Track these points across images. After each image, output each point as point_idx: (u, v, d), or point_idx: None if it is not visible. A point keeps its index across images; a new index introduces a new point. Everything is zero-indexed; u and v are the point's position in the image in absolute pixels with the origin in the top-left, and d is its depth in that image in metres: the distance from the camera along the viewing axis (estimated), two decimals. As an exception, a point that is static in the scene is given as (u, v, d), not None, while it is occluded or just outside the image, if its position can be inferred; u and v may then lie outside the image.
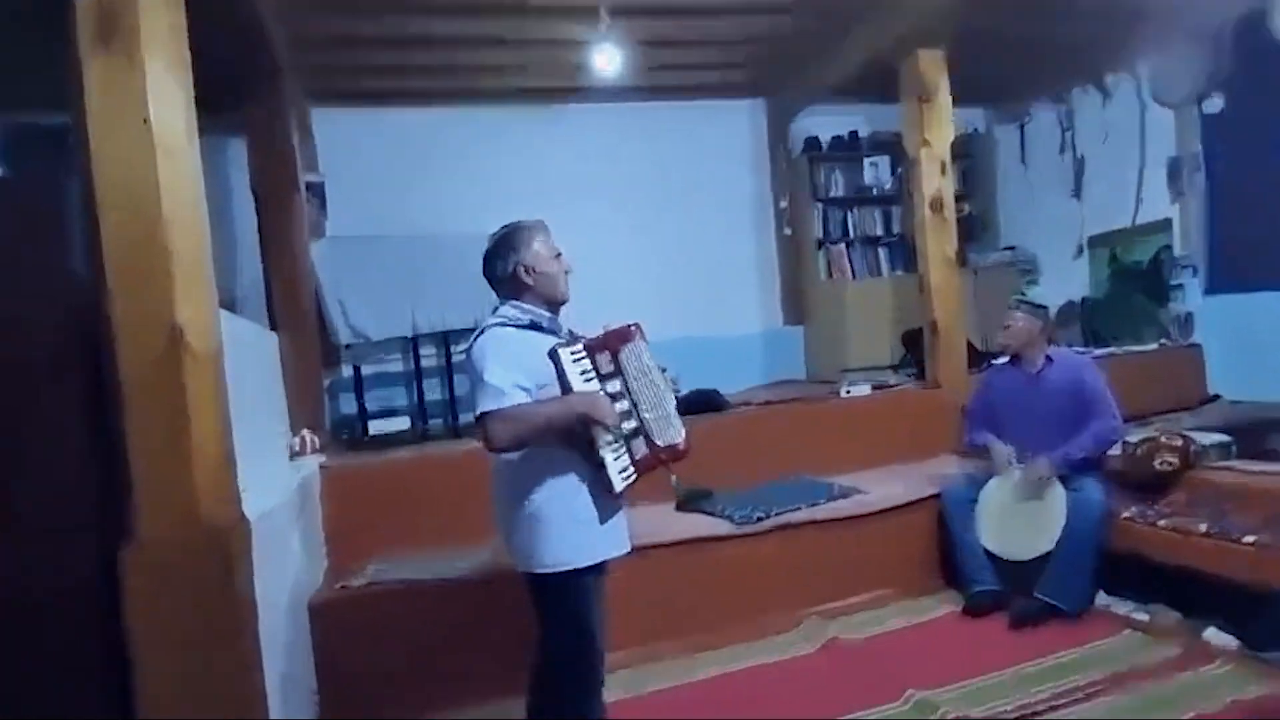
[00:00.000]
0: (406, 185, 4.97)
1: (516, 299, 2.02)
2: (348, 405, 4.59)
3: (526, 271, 2.00)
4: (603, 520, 2.00)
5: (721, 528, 3.15)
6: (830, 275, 5.69)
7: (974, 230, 6.03)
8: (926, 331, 4.28)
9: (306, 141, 4.60)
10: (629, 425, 1.96)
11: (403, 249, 4.33)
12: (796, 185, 5.77)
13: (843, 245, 5.73)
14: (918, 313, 4.42)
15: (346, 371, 4.58)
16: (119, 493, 1.68)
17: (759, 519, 3.16)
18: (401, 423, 4.21)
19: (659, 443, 1.97)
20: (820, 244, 5.70)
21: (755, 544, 3.14)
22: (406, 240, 4.37)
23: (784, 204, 5.81)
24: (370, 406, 4.36)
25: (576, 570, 1.96)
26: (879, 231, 5.82)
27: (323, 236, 4.50)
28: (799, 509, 3.27)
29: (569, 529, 1.95)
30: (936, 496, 3.31)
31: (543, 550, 1.95)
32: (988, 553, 3.07)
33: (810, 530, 3.22)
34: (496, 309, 2.03)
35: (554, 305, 2.05)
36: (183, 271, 1.69)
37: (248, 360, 2.76)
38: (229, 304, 3.77)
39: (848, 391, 4.23)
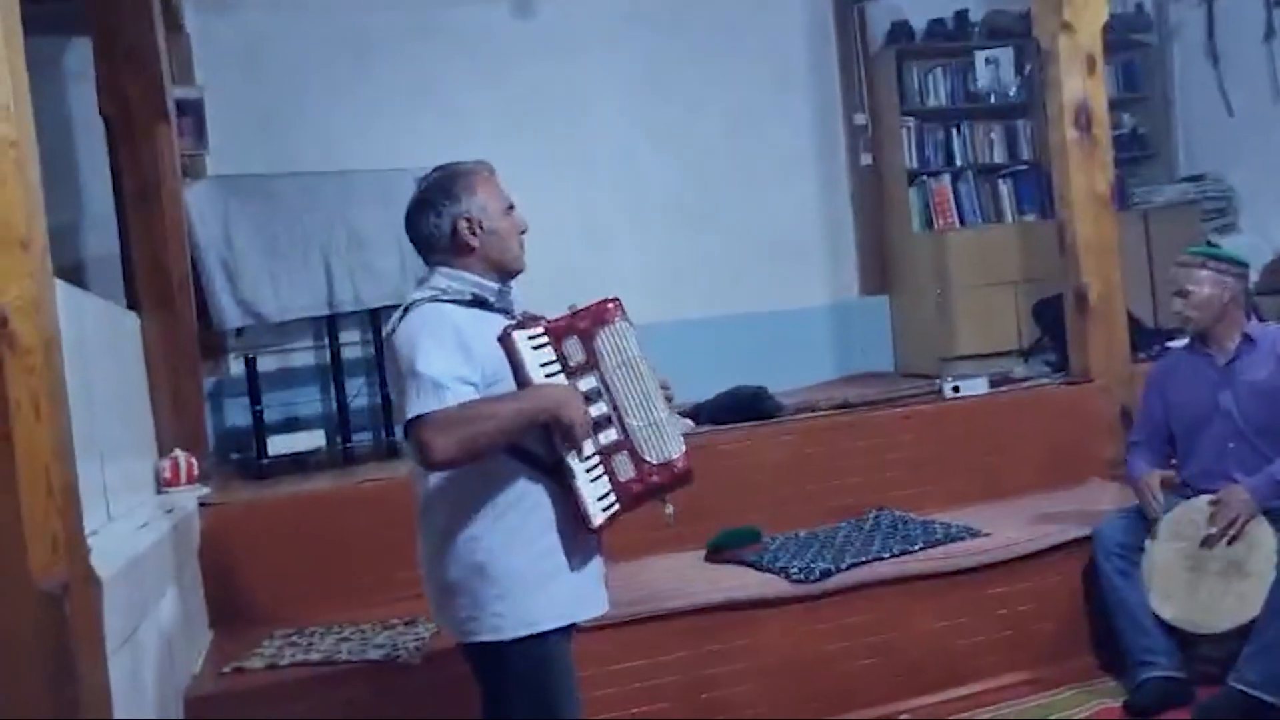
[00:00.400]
0: (321, 102, 5.02)
1: (452, 266, 2.06)
2: (238, 414, 4.65)
3: (470, 229, 2.04)
4: (574, 566, 2.04)
5: (772, 587, 3.16)
6: (929, 222, 5.69)
7: (1140, 155, 5.99)
8: (1069, 302, 4.26)
9: (177, 42, 4.64)
10: (609, 437, 2.00)
11: (316, 193, 4.37)
12: (878, 93, 5.77)
13: (946, 178, 5.73)
14: (1056, 275, 4.40)
15: (236, 367, 4.63)
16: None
17: (826, 574, 3.17)
18: (314, 438, 4.25)
19: (650, 459, 2.01)
20: (914, 177, 5.70)
21: (821, 610, 3.15)
22: (321, 180, 4.41)
23: (860, 120, 5.80)
24: (270, 416, 4.42)
25: (538, 636, 1.99)
26: (999, 158, 5.82)
27: (202, 176, 4.54)
28: (885, 559, 3.28)
29: (528, 580, 1.99)
30: (1086, 540, 3.31)
31: (490, 610, 1.98)
32: (1161, 622, 3.07)
33: (902, 591, 3.23)
34: (424, 280, 2.08)
35: (504, 275, 2.09)
36: (6, 235, 1.71)
37: (97, 354, 2.79)
38: (70, 273, 3.84)
39: (955, 390, 4.23)
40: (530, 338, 1.99)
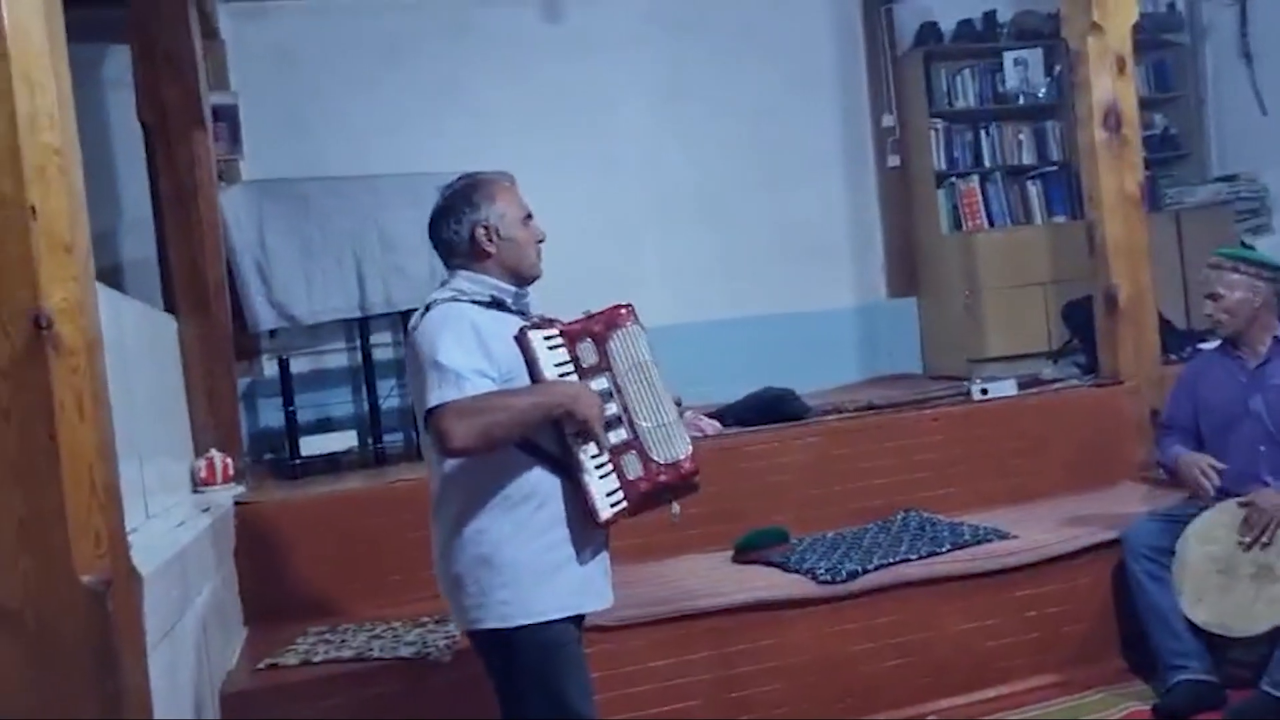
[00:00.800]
0: (353, 106, 5.07)
1: (471, 270, 2.13)
2: (271, 415, 4.71)
3: (487, 235, 2.11)
4: (582, 560, 2.10)
5: (799, 587, 3.17)
6: (957, 224, 5.66)
7: (1172, 155, 5.92)
8: (1099, 303, 4.24)
9: (213, 48, 4.71)
10: (619, 436, 2.06)
11: (348, 196, 4.41)
12: (906, 95, 5.74)
13: (975, 180, 5.70)
14: (1086, 276, 4.38)
15: (270, 369, 4.69)
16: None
17: (853, 575, 3.17)
18: (346, 439, 4.30)
19: (657, 460, 2.07)
20: (942, 179, 5.67)
21: (848, 611, 3.15)
22: (352, 184, 4.46)
23: (887, 122, 5.78)
24: (303, 417, 4.47)
25: (545, 625, 2.03)
26: (1028, 159, 5.77)
27: (236, 181, 4.60)
28: (912, 561, 3.28)
29: (535, 571, 2.04)
30: (1116, 543, 3.29)
31: (496, 598, 2.03)
32: (1192, 625, 3.05)
33: (929, 592, 3.22)
34: (446, 282, 2.16)
35: (520, 281, 2.16)
36: (50, 239, 1.76)
37: (137, 356, 2.85)
38: (109, 277, 3.90)
39: (983, 391, 4.22)
40: (546, 338, 2.06)
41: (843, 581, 3.14)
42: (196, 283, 3.95)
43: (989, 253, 5.42)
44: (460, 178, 2.20)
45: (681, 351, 4.74)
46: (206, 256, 3.98)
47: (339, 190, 4.43)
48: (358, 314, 4.39)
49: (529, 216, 2.18)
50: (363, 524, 3.44)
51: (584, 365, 2.08)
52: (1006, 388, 4.24)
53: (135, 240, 4.52)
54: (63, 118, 1.82)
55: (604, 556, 2.17)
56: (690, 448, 2.11)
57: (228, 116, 4.54)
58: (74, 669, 1.74)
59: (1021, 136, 5.77)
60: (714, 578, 3.29)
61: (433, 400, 1.95)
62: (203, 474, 3.52)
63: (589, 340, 2.09)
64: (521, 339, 2.04)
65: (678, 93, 5.48)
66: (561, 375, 2.05)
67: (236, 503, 3.40)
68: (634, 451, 2.07)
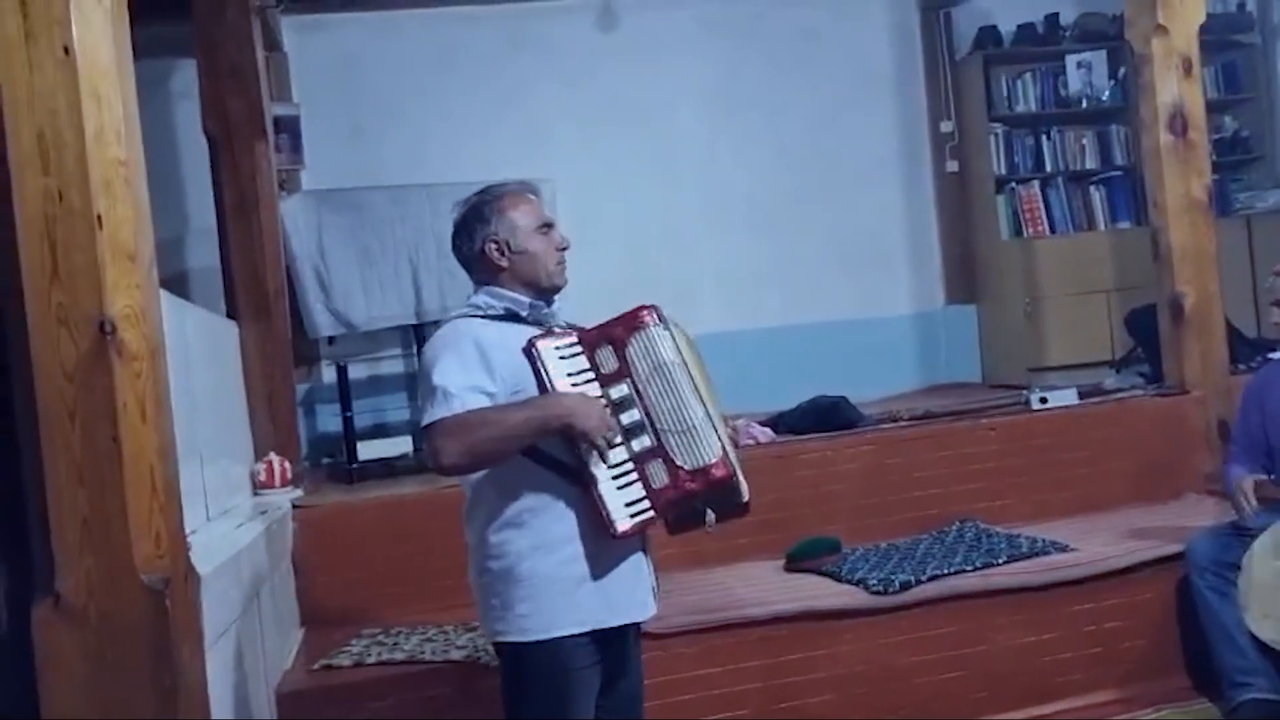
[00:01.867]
0: (411, 116, 5.16)
1: (490, 284, 2.12)
2: (329, 420, 4.80)
3: (499, 250, 2.09)
4: (600, 574, 2.03)
5: (851, 597, 3.15)
6: (1018, 230, 5.58)
7: (1243, 158, 5.77)
8: (1164, 311, 4.14)
9: (276, 61, 4.82)
10: (642, 444, 1.97)
11: (405, 205, 4.49)
12: (965, 100, 5.68)
13: (1036, 185, 5.61)
14: (1151, 283, 4.28)
15: (328, 375, 4.78)
16: (29, 535, 1.82)
17: (906, 585, 3.14)
18: (401, 444, 4.36)
19: (684, 465, 1.96)
20: (1002, 184, 5.60)
21: (901, 622, 3.12)
22: (409, 192, 4.53)
23: (946, 127, 5.72)
24: (360, 422, 4.54)
25: (559, 641, 2.00)
26: (1091, 164, 5.67)
27: (297, 190, 4.71)
28: (967, 572, 3.23)
29: (553, 585, 1.99)
30: (1179, 557, 3.22)
31: (516, 611, 2.01)
32: (1258, 642, 2.96)
33: (985, 604, 3.17)
34: (469, 297, 2.15)
35: (540, 292, 2.12)
36: (115, 248, 1.82)
37: (199, 361, 2.93)
38: (174, 284, 4.01)
39: (1043, 401, 4.14)
40: (558, 348, 2.01)
41: (895, 593, 3.11)
42: (258, 290, 4.05)
43: (1050, 259, 5.34)
44: (476, 191, 2.16)
45: (735, 359, 4.77)
46: (267, 265, 4.07)
47: (396, 199, 4.50)
48: (414, 321, 4.45)
49: (547, 226, 2.13)
50: (416, 529, 3.48)
51: (604, 372, 2.00)
52: (1067, 397, 4.16)
53: (201, 249, 4.65)
54: (129, 131, 1.89)
55: (639, 564, 2.10)
56: (721, 453, 1.97)
57: (289, 127, 4.65)
58: (133, 665, 1.80)
59: (1084, 141, 5.67)
60: (765, 587, 3.28)
61: (425, 419, 1.95)
62: (262, 477, 3.60)
63: (608, 346, 2.01)
64: (529, 350, 1.98)
65: (733, 99, 5.49)
66: (575, 385, 1.99)
67: (294, 506, 3.48)
68: (659, 459, 1.97)
